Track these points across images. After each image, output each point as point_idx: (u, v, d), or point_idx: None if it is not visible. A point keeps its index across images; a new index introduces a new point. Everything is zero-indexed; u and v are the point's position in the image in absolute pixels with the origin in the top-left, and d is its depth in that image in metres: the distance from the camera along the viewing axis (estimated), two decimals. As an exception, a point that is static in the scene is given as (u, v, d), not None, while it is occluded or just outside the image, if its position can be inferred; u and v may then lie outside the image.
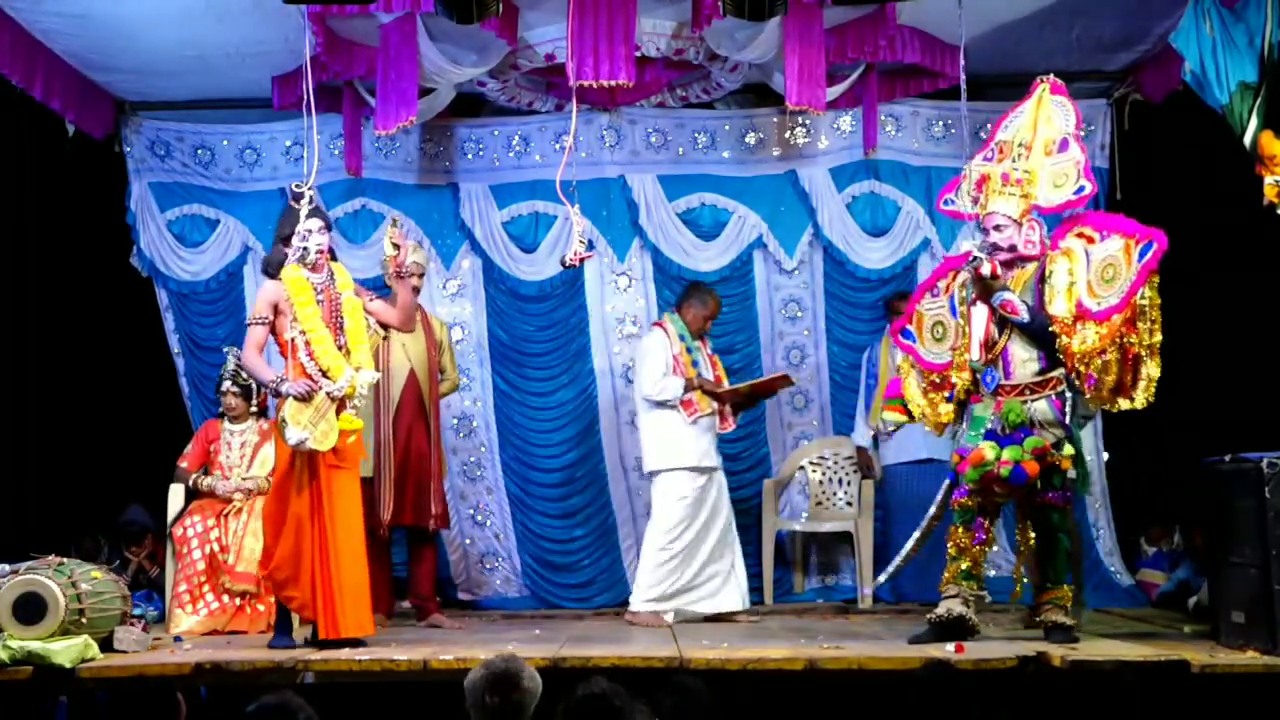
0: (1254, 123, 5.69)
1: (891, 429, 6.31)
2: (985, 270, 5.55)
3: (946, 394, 5.86)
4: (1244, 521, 5.34)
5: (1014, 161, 5.74)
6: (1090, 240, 5.53)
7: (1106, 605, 7.23)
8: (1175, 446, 7.38)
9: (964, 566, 5.72)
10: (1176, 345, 7.76)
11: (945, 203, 6.01)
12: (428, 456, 6.77)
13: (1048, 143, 5.73)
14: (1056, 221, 5.78)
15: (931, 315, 5.94)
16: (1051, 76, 5.84)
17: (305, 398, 5.60)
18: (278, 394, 5.67)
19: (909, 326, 6.01)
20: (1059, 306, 5.50)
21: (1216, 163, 6.50)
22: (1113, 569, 7.70)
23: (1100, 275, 5.41)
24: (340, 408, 5.70)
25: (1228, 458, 5.50)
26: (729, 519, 6.99)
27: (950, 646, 5.40)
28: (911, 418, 6.09)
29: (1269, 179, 5.62)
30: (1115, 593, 7.52)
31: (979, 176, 5.77)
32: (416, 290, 6.78)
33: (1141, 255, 5.34)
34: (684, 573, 6.79)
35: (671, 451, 6.85)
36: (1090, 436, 7.73)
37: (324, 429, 5.62)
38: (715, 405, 6.88)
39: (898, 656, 5.34)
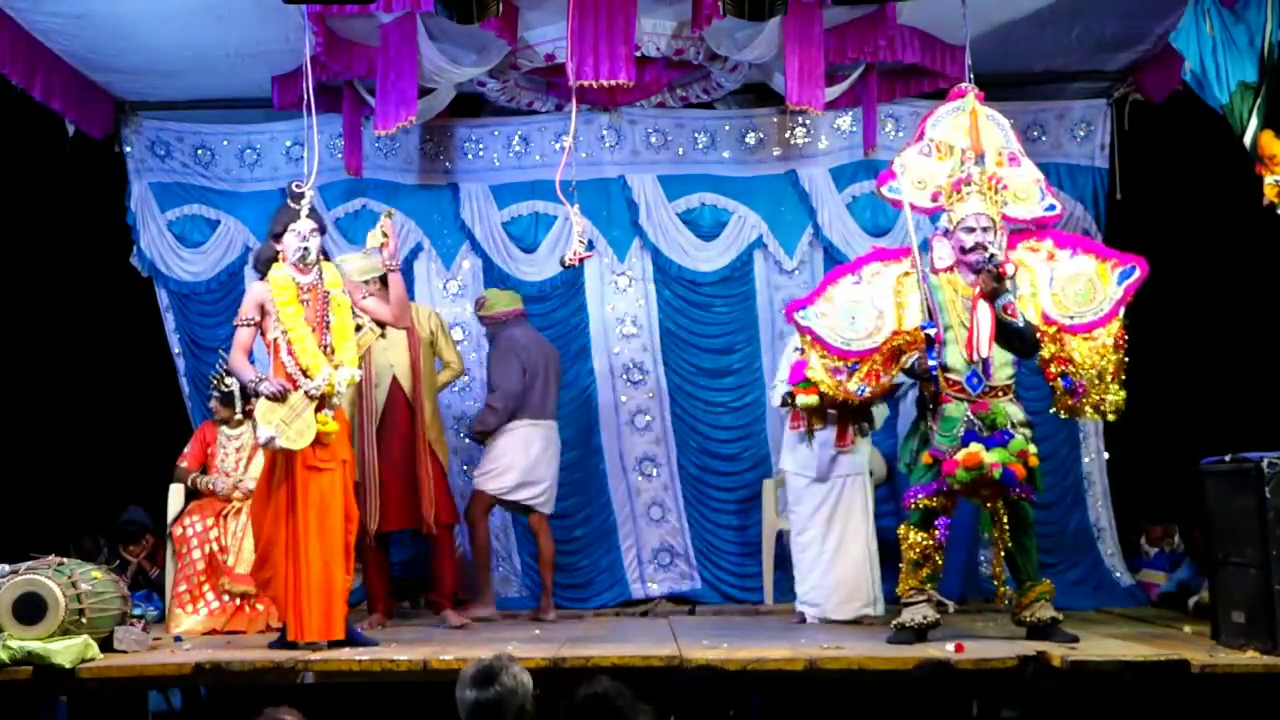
0: (1254, 123, 5.70)
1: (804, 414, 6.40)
2: (1010, 270, 5.59)
3: (847, 377, 5.88)
4: (1244, 521, 5.35)
5: (966, 166, 5.86)
6: (1051, 256, 5.80)
7: (1106, 605, 7.23)
8: (1175, 446, 7.39)
9: (926, 572, 5.75)
10: (1177, 345, 7.83)
11: (889, 189, 6.02)
12: (415, 460, 6.69)
13: (998, 153, 5.90)
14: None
15: (849, 300, 5.87)
16: (972, 86, 5.98)
17: (278, 397, 5.63)
18: (255, 394, 5.72)
19: (812, 308, 5.91)
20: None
21: (1216, 163, 6.51)
22: (1113, 569, 7.70)
23: (1066, 290, 5.74)
24: (320, 407, 5.72)
25: (1228, 458, 5.51)
26: (851, 526, 6.73)
27: (950, 646, 5.41)
28: (822, 398, 6.18)
29: (1269, 179, 5.64)
30: (1115, 593, 7.52)
31: (960, 176, 5.84)
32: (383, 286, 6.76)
33: (1123, 279, 5.72)
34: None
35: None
36: (1092, 436, 7.77)
37: (299, 428, 5.65)
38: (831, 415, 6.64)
39: (897, 656, 5.35)
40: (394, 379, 6.74)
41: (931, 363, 5.71)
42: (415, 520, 6.69)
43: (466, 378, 7.58)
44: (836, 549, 6.69)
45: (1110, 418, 5.80)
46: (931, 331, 5.68)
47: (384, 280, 6.67)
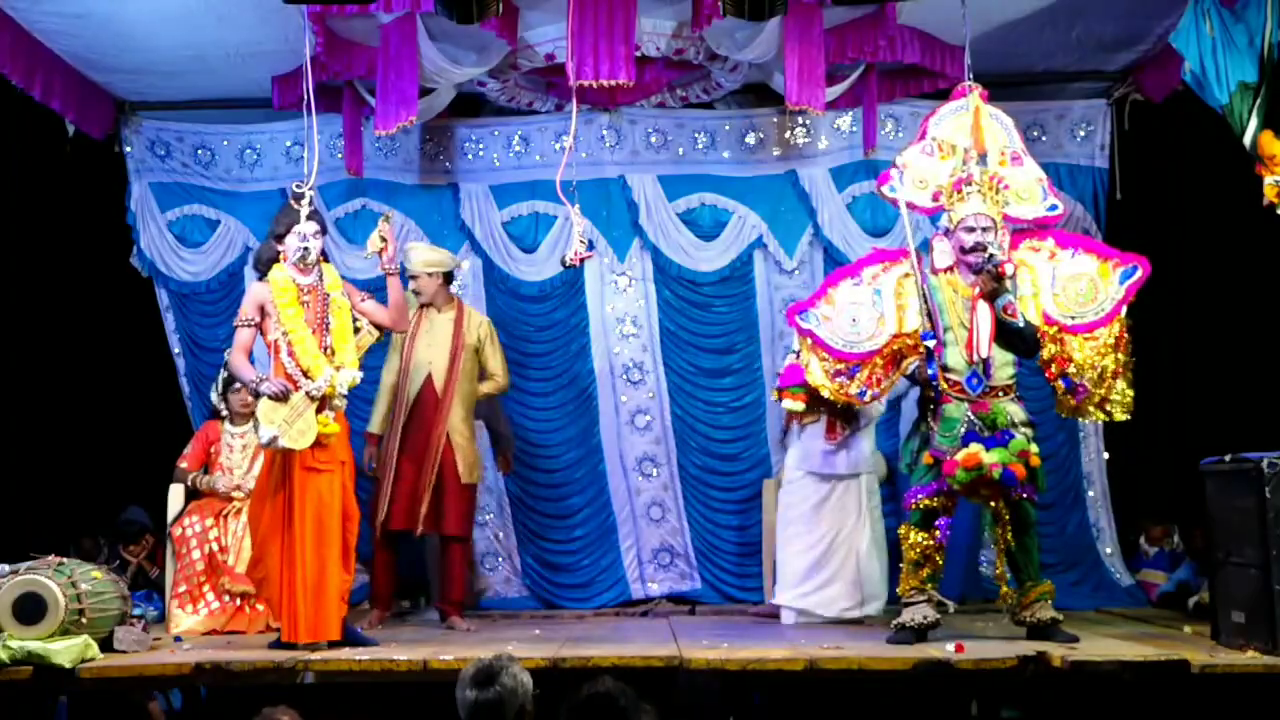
0: (1254, 123, 5.70)
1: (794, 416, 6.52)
2: (1010, 270, 5.60)
3: (849, 380, 5.89)
4: (1244, 521, 5.35)
5: (967, 165, 5.85)
6: (1053, 256, 5.81)
7: (1106, 605, 7.24)
8: (1175, 446, 7.39)
9: (927, 573, 5.75)
10: (1177, 346, 7.83)
11: (889, 189, 6.02)
12: (422, 461, 6.66)
13: (1000, 153, 5.90)
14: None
15: (850, 302, 5.88)
16: (976, 85, 5.98)
17: (280, 397, 5.65)
18: (257, 394, 5.73)
19: (813, 310, 5.92)
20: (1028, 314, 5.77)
21: (1216, 163, 6.51)
22: (1113, 569, 7.70)
23: (1067, 289, 5.75)
24: (321, 408, 5.73)
25: (1228, 458, 5.51)
26: (845, 525, 6.75)
27: (950, 646, 5.41)
28: (811, 403, 6.26)
29: (1269, 179, 5.64)
30: (1115, 593, 7.52)
31: (961, 176, 5.85)
32: (444, 284, 6.79)
33: (1125, 278, 5.72)
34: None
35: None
36: (1092, 436, 7.78)
37: (300, 428, 5.67)
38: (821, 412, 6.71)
39: (897, 657, 5.35)
40: (429, 376, 6.71)
41: (930, 372, 5.74)
42: (408, 522, 6.63)
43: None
44: (827, 549, 6.67)
45: (1119, 417, 5.80)
46: (930, 344, 5.69)
47: (447, 277, 6.71)
